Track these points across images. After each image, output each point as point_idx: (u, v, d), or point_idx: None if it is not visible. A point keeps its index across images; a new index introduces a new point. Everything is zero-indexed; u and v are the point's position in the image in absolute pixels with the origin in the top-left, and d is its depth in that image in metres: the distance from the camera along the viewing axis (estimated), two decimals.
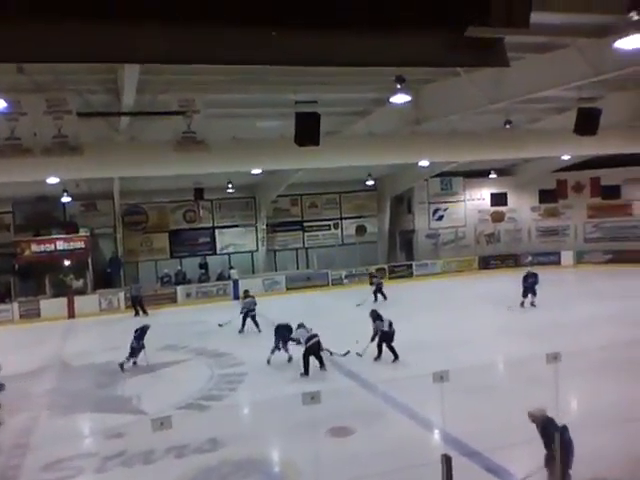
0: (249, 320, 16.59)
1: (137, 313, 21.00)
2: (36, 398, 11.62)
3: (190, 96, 13.98)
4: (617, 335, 12.80)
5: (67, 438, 9.22)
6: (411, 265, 27.43)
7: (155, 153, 15.32)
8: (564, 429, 6.07)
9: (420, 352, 12.49)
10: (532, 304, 17.47)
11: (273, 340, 12.77)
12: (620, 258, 25.36)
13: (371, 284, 21.30)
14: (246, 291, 18.26)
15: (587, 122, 12.80)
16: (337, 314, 18.72)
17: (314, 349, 11.83)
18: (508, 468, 7.12)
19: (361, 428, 8.81)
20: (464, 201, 29.16)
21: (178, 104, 14.09)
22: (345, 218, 29.20)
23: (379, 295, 20.56)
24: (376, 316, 12.85)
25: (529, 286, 17.61)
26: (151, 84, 12.54)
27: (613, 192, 27.27)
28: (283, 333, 12.74)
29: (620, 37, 7.09)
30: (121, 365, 12.94)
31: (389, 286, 24.66)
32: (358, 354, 12.46)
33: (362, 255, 27.73)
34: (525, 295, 17.60)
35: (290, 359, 12.65)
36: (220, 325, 17.02)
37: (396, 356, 12.30)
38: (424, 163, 21.59)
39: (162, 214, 26.35)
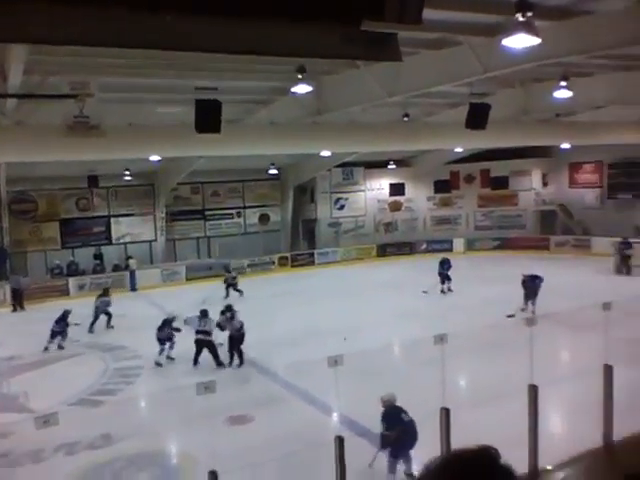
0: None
1: (15, 309, 19.85)
2: None
3: (83, 79, 13.28)
4: (501, 316, 13.69)
5: None
6: (313, 253, 27.79)
7: (44, 138, 14.41)
8: (408, 423, 6.67)
9: (321, 338, 12.74)
10: (449, 289, 18.39)
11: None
12: (506, 245, 27.16)
13: (225, 281, 20.27)
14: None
15: (477, 117, 13.49)
16: (235, 304, 18.60)
17: (200, 343, 11.59)
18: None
19: (260, 415, 8.87)
20: (364, 191, 29.89)
21: (69, 87, 13.36)
22: (248, 207, 29.01)
23: (232, 291, 19.70)
24: (230, 317, 11.98)
25: (445, 272, 18.52)
26: (41, 65, 11.76)
27: (501, 183, 29.08)
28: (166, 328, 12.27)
29: (508, 36, 7.50)
30: (45, 348, 13.36)
31: (292, 274, 24.97)
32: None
33: (265, 244, 27.73)
34: (443, 282, 18.47)
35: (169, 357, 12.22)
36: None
37: (242, 361, 11.53)
38: (326, 153, 21.88)
39: (53, 202, 24.88)
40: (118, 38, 4.41)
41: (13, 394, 10.56)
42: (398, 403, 7.11)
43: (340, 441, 5.65)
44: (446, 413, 6.65)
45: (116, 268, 24.60)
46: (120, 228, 26.24)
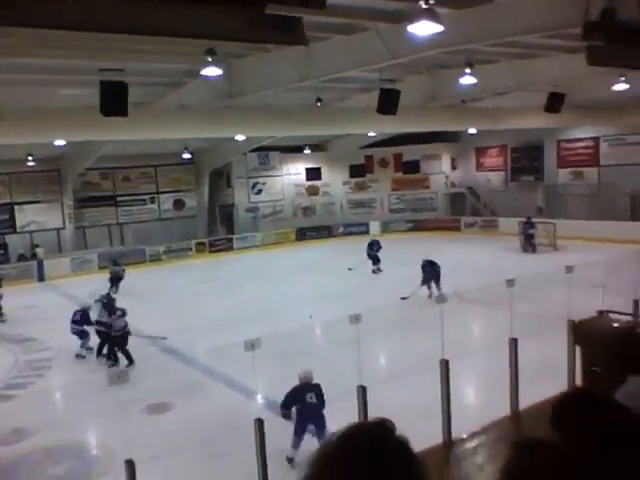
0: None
1: None
2: None
3: None
4: (417, 295, 14.23)
5: None
6: (231, 239, 27.58)
7: None
8: (309, 404, 6.92)
9: (242, 323, 12.73)
10: (379, 269, 18.89)
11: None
12: (420, 226, 28.16)
13: (111, 274, 18.72)
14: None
15: (388, 102, 13.83)
16: (153, 292, 18.23)
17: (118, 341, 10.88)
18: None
19: (180, 402, 8.81)
20: (281, 175, 29.94)
21: None
22: (162, 192, 28.32)
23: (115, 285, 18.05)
24: (121, 315, 11.17)
25: (375, 253, 19.03)
26: None
27: (413, 167, 30.04)
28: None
29: (412, 23, 7.70)
30: None
31: (210, 260, 24.69)
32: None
33: (181, 230, 27.21)
34: (374, 263, 18.98)
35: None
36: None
37: (131, 361, 10.61)
38: (240, 137, 21.69)
39: None
40: (20, 17, 4.22)
41: None
42: (319, 382, 7.31)
43: (260, 423, 5.73)
44: (363, 390, 6.87)
45: (22, 258, 23.39)
46: (25, 216, 24.91)
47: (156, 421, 8.19)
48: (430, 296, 13.74)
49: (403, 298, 13.88)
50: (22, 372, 10.82)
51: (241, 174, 28.87)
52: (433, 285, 14.49)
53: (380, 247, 19.32)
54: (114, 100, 11.04)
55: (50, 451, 7.39)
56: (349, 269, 18.54)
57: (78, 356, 11.44)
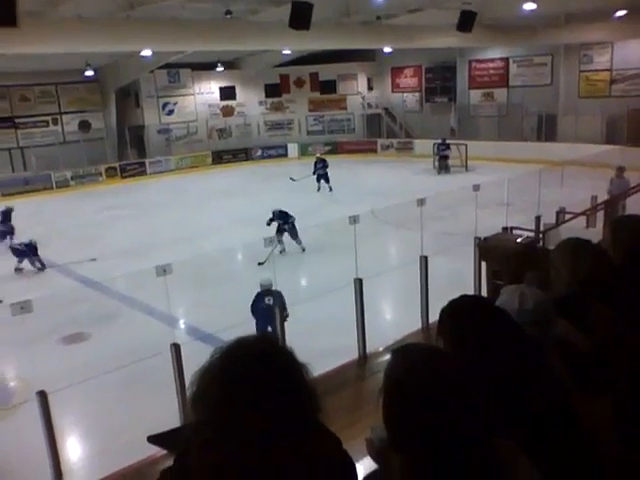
0: None
1: None
2: None
3: None
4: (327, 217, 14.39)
5: None
6: (144, 163, 26.49)
7: None
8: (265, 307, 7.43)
9: (157, 249, 12.44)
10: (330, 190, 19.00)
11: None
12: (338, 149, 28.08)
13: None
14: None
15: (300, 16, 13.36)
16: (62, 220, 17.46)
17: None
18: None
19: (97, 332, 8.67)
20: (194, 95, 28.70)
21: None
22: (65, 113, 26.50)
23: None
24: None
25: (320, 172, 19.14)
26: None
27: (330, 87, 29.60)
28: None
29: None
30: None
31: (122, 185, 23.74)
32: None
33: (89, 154, 25.63)
34: (319, 180, 19.12)
35: None
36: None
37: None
38: (146, 53, 20.37)
39: None
40: None
41: None
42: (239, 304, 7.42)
43: (176, 348, 5.76)
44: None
45: None
46: None
47: (72, 351, 8.05)
48: (282, 251, 12.14)
49: (260, 264, 11.02)
50: None
51: (150, 93, 27.40)
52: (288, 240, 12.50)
53: (326, 164, 19.42)
54: (2, 9, 9.99)
55: None
56: (291, 179, 18.72)
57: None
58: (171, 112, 28.01)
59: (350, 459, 1.35)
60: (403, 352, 1.43)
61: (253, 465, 1.17)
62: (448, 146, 22.21)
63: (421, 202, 7.85)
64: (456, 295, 1.81)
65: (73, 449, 6.27)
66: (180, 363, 5.65)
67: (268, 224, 12.27)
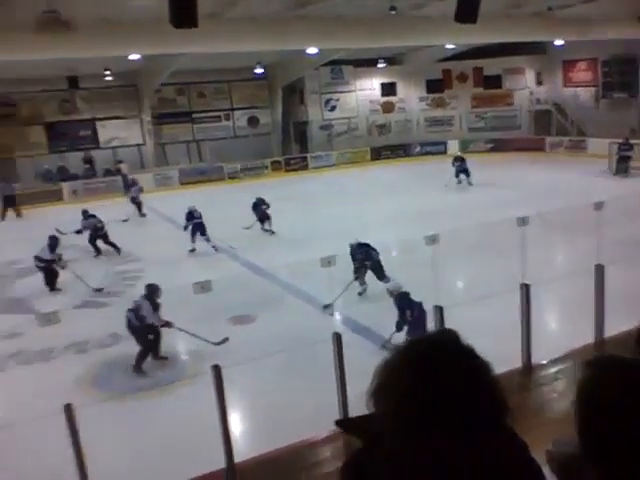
0: (101, 243, 13.95)
1: (3, 218, 19.65)
2: None
3: None
4: (490, 218, 13.85)
5: None
6: (306, 157, 27.54)
7: (12, 35, 13.70)
8: (414, 306, 7.36)
9: (317, 241, 12.91)
10: (469, 184, 18.96)
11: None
12: (501, 146, 26.91)
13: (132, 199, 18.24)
14: (84, 211, 14.53)
15: (467, 9, 12.86)
16: (234, 208, 18.69)
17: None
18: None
19: (262, 315, 9.18)
20: (355, 91, 29.18)
21: None
22: (236, 109, 28.37)
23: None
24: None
25: (458, 168, 19.03)
26: None
27: (495, 82, 28.42)
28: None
29: None
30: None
31: (286, 178, 24.87)
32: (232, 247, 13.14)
33: (256, 147, 27.34)
34: (457, 175, 19.03)
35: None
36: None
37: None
38: (312, 50, 21.10)
39: (35, 105, 24.22)
40: None
41: (19, 297, 10.82)
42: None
43: (337, 337, 5.89)
44: (440, 311, 6.90)
45: (107, 173, 24.41)
46: (107, 132, 25.74)
47: (240, 331, 8.60)
48: (362, 293, 9.84)
49: (325, 307, 9.23)
50: (114, 282, 11.53)
51: (314, 89, 28.35)
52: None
53: (463, 159, 19.12)
54: (184, 10, 10.84)
55: None
56: (445, 186, 18.60)
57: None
58: (333, 108, 28.76)
59: (538, 465, 1.29)
60: (611, 367, 1.32)
61: (444, 463, 1.15)
62: (631, 146, 20.24)
63: (598, 206, 7.28)
64: (637, 311, 1.63)
65: (238, 423, 6.71)
66: (341, 352, 5.79)
67: (354, 260, 9.83)
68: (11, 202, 19.93)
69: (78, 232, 13.83)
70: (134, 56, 18.89)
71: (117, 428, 6.17)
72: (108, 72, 22.95)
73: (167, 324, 7.80)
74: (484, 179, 19.45)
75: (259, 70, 26.00)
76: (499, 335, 6.93)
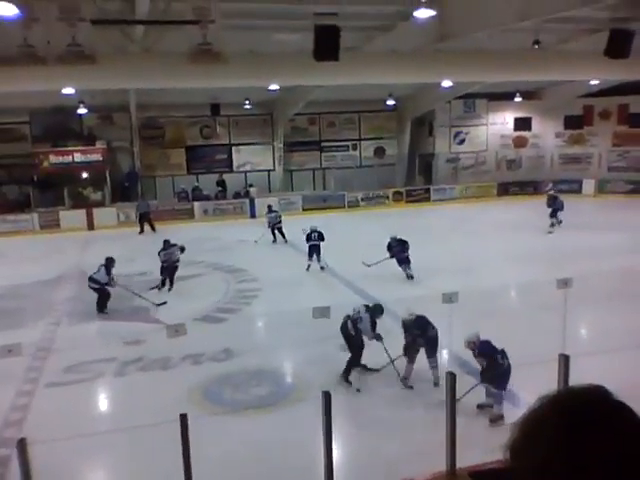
0: (277, 232, 17.87)
1: (142, 230, 21.14)
2: (57, 305, 12.04)
3: (205, 4, 13.44)
4: (628, 264, 12.73)
5: (87, 343, 9.59)
6: (429, 189, 27.18)
7: (169, 64, 15.00)
8: (501, 352, 6.78)
9: (435, 276, 12.60)
10: (558, 223, 18.09)
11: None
12: None
13: (269, 223, 18.40)
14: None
15: (619, 44, 12.20)
16: (351, 235, 18.83)
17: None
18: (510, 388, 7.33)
19: (371, 345, 9.01)
20: (487, 125, 28.45)
21: (192, 12, 13.60)
22: (364, 139, 28.75)
23: (277, 234, 18.13)
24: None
25: (554, 207, 18.15)
26: None
27: None
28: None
29: None
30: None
31: (406, 210, 24.68)
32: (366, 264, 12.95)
33: (380, 177, 27.45)
34: (553, 216, 18.20)
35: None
36: (255, 241, 17.62)
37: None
38: (447, 83, 20.92)
39: (179, 129, 26.16)
40: None
41: (144, 306, 11.52)
42: (515, 346, 6.96)
43: (452, 377, 5.61)
44: (565, 359, 6.36)
45: (236, 195, 25.65)
46: (240, 157, 27.17)
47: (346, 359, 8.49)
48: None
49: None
50: (233, 299, 11.95)
51: (444, 122, 28.03)
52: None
53: (556, 198, 18.43)
54: (327, 44, 11.25)
55: (253, 373, 8.09)
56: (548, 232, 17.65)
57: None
58: (462, 142, 28.22)
59: None
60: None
61: None
62: None
63: None
64: None
65: (341, 452, 6.57)
66: (453, 391, 5.54)
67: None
68: (146, 218, 21.41)
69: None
70: (274, 87, 19.90)
71: (223, 441, 6.26)
72: (247, 101, 24.33)
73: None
74: (621, 223, 18.01)
75: (390, 102, 26.17)
76: (632, 394, 6.26)
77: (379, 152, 28.90)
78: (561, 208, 18.18)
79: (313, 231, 14.37)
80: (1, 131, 23.86)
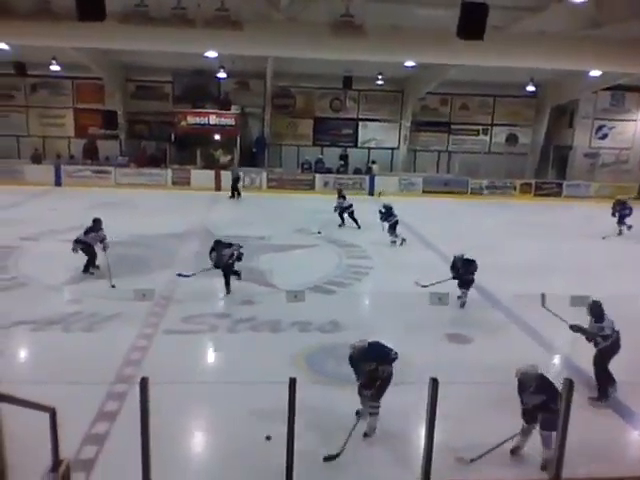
0: (347, 217, 16.61)
1: (233, 195, 21.88)
2: (181, 257, 12.78)
3: None
4: None
5: (205, 297, 10.10)
6: (561, 184, 25.58)
7: (311, 34, 15.22)
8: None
9: (550, 274, 11.93)
10: (620, 232, 16.82)
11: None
12: None
13: (337, 207, 16.97)
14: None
15: None
16: (471, 224, 18.25)
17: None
18: (629, 404, 6.80)
19: (479, 338, 8.74)
20: (636, 121, 26.16)
21: None
22: (496, 125, 27.54)
23: (349, 218, 16.73)
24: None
25: (622, 213, 16.90)
26: None
27: None
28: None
29: None
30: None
31: (533, 203, 23.45)
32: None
33: (508, 166, 26.24)
34: (621, 223, 16.92)
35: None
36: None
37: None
38: (596, 73, 19.40)
39: (309, 100, 26.51)
40: None
41: (260, 269, 11.92)
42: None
43: (569, 384, 5.25)
44: None
45: (357, 171, 25.69)
46: (366, 132, 27.09)
47: (455, 350, 8.29)
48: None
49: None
50: (344, 273, 12.03)
51: (587, 114, 26.17)
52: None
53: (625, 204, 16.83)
54: (473, 23, 10.78)
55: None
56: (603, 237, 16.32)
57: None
58: (604, 136, 26.22)
59: None
60: None
61: None
62: None
63: None
64: None
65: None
66: (569, 400, 5.16)
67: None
68: (236, 184, 22.09)
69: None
70: (409, 63, 19.53)
71: (317, 409, 6.36)
72: (380, 76, 24.10)
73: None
74: None
75: (531, 88, 24.73)
76: None
77: (511, 139, 27.58)
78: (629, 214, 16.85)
79: (388, 208, 14.81)
80: (146, 88, 25.56)
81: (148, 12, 14.23)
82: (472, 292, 10.39)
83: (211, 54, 18.08)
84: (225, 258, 10.05)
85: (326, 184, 24.33)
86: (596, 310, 6.85)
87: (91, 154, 25.26)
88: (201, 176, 23.62)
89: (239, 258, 10.38)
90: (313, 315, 9.01)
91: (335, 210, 16.74)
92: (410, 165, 27.21)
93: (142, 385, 3.81)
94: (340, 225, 16.66)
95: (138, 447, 3.80)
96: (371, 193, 23.94)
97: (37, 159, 24.39)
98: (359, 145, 27.14)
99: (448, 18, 12.36)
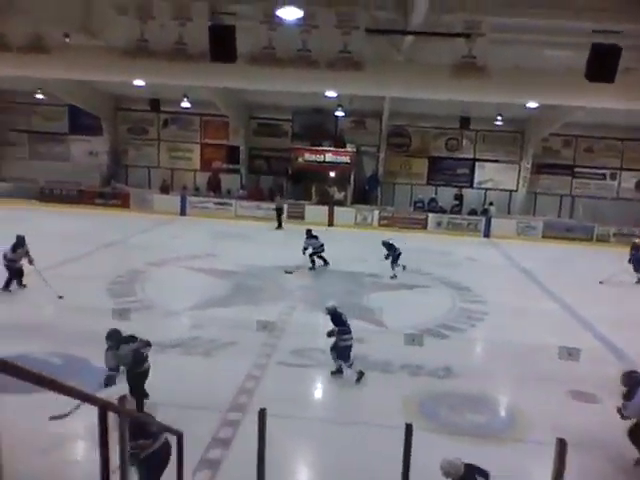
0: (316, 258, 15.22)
1: (279, 226, 22.36)
2: (293, 290, 12.99)
3: (477, 17, 13.27)
4: None
5: (314, 331, 10.12)
6: None
7: (432, 76, 15.20)
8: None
9: None
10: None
11: None
12: None
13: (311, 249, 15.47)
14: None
15: None
16: (597, 272, 17.07)
17: None
18: None
19: (607, 400, 8.02)
20: None
21: (463, 25, 13.51)
22: (625, 169, 25.85)
23: (317, 259, 15.41)
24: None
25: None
26: (439, 3, 12.18)
27: None
28: None
29: None
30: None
31: None
32: None
33: (638, 214, 24.43)
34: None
35: None
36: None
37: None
38: None
39: (425, 139, 26.41)
40: None
41: (371, 307, 11.83)
42: None
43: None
44: None
45: (472, 212, 25.07)
46: (483, 173, 26.46)
47: (577, 408, 7.67)
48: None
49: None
50: (457, 317, 11.62)
51: None
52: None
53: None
54: (603, 64, 10.35)
55: (469, 397, 7.74)
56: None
57: None
58: None
59: None
60: None
61: None
62: None
63: None
64: None
65: None
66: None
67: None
68: (280, 213, 22.72)
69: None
70: (532, 104, 18.98)
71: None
72: (499, 117, 23.58)
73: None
74: None
75: None
76: None
77: None
78: None
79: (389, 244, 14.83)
80: (267, 126, 26.70)
81: (275, 54, 14.91)
82: (596, 343, 9.65)
83: (331, 94, 18.60)
84: (126, 358, 6.60)
85: (439, 224, 23.92)
86: None
87: (214, 187, 26.68)
88: (315, 211, 24.11)
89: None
90: (424, 359, 8.72)
91: (304, 251, 15.22)
92: (529, 208, 26.11)
93: (260, 415, 3.84)
94: (310, 268, 15.10)
95: (252, 475, 3.81)
96: (486, 235, 23.20)
97: (165, 189, 26.12)
98: (475, 186, 26.51)
99: (575, 59, 11.90)
